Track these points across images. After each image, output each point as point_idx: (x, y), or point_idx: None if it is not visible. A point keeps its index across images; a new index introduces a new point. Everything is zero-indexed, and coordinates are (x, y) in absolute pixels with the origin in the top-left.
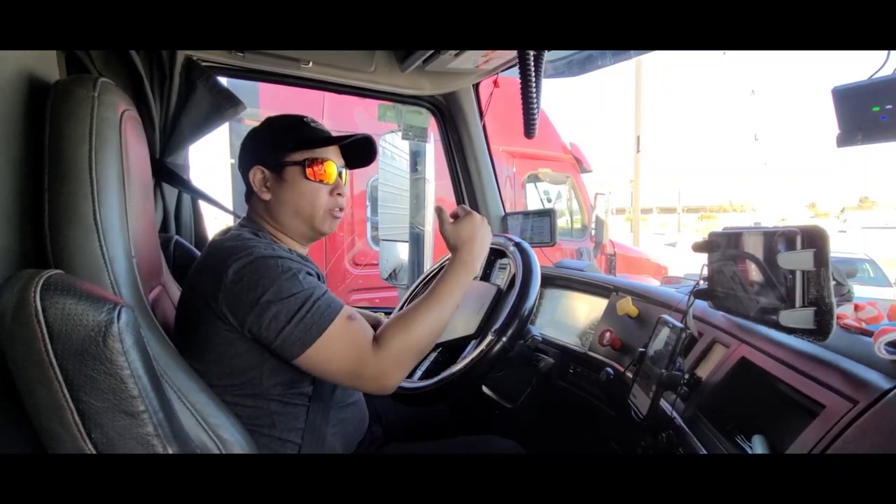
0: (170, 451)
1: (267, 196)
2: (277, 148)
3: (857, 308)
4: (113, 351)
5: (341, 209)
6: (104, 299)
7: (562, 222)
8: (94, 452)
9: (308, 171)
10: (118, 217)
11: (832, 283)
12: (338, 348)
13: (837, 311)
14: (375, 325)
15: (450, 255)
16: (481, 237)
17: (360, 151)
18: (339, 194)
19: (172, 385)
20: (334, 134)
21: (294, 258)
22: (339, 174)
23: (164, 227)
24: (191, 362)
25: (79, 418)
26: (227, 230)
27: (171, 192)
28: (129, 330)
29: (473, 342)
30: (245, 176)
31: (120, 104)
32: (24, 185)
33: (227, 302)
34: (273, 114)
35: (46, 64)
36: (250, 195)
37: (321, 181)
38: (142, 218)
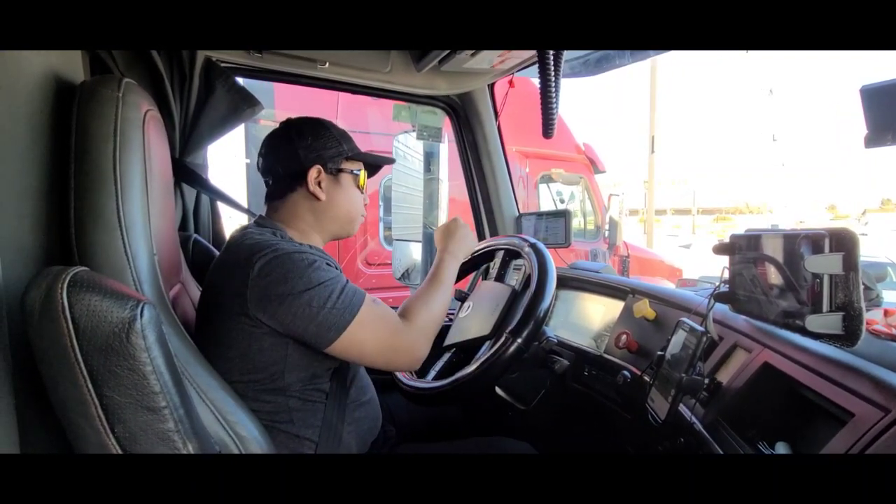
0: (189, 447)
1: (323, 196)
2: (339, 153)
3: (887, 313)
4: (136, 347)
5: (364, 216)
6: (128, 296)
7: (575, 223)
8: (117, 447)
9: (359, 181)
10: (141, 215)
11: (861, 287)
12: (372, 328)
13: (866, 316)
14: None
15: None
16: (460, 234)
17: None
18: (366, 203)
19: (192, 382)
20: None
21: (315, 252)
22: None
23: (183, 226)
24: (213, 359)
25: (102, 413)
26: (245, 229)
27: (190, 192)
28: (152, 327)
29: (488, 343)
30: (293, 172)
31: (143, 104)
32: (50, 184)
33: (254, 298)
34: (288, 114)
35: (72, 65)
36: (286, 192)
37: (361, 191)
38: (163, 216)
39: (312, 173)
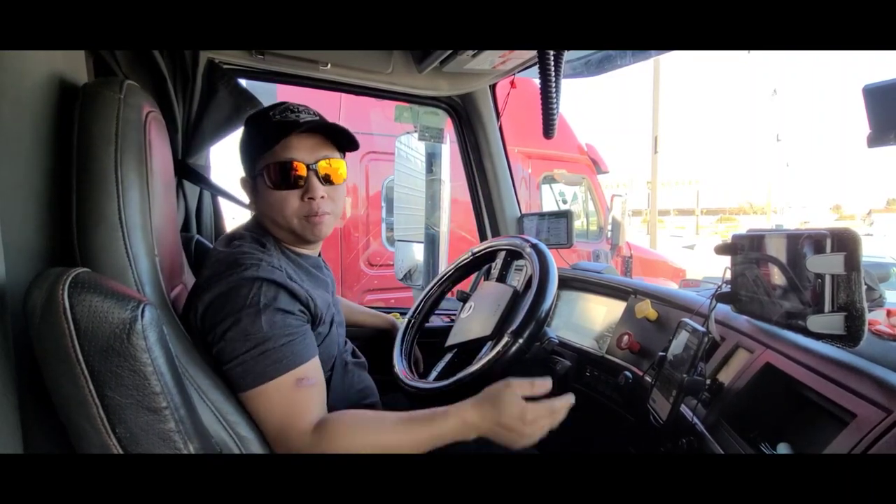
0: (191, 447)
1: (253, 206)
2: (248, 156)
3: (889, 314)
4: (137, 348)
5: (318, 214)
6: (129, 297)
7: (577, 224)
8: (119, 447)
9: (269, 178)
10: (142, 216)
11: (863, 287)
12: (269, 408)
13: (869, 316)
14: (389, 326)
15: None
16: (508, 424)
17: (337, 130)
18: (311, 198)
19: (193, 382)
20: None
21: (278, 285)
22: (315, 173)
23: (185, 227)
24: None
25: (104, 414)
26: (233, 234)
27: (192, 193)
28: (153, 327)
29: (489, 343)
30: None
31: (145, 106)
32: (53, 185)
33: (199, 319)
34: None
35: (75, 67)
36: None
37: (288, 187)
38: (164, 217)
39: (243, 185)
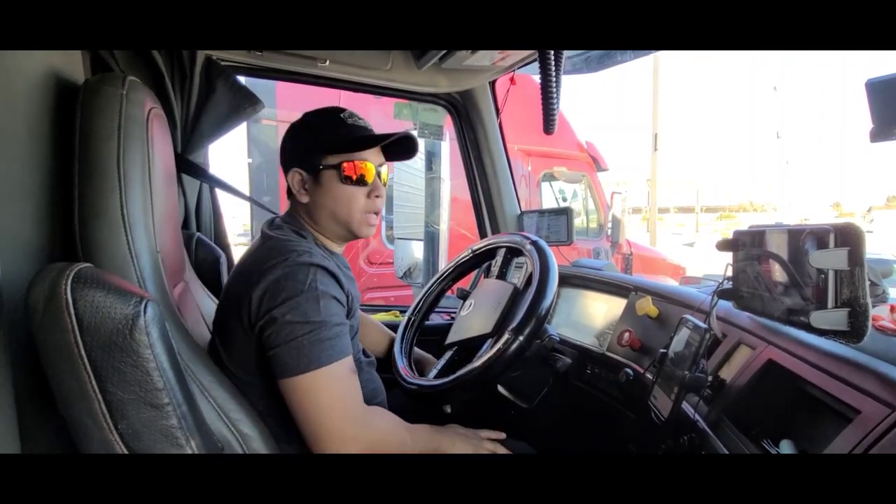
0: (192, 444)
1: (305, 199)
2: (314, 150)
3: (893, 309)
4: (139, 344)
5: (377, 213)
6: (131, 293)
7: (577, 222)
8: (121, 443)
9: (344, 175)
10: (143, 213)
11: (867, 283)
12: (329, 390)
13: (872, 312)
14: (380, 331)
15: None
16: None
17: (400, 145)
18: (378, 196)
19: (195, 379)
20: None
21: (330, 273)
22: (378, 174)
23: (185, 225)
24: (220, 357)
25: (106, 409)
26: (273, 221)
27: (191, 190)
28: (155, 323)
29: (489, 341)
30: (286, 175)
31: (147, 102)
32: (54, 182)
33: (252, 304)
34: (290, 113)
35: (73, 65)
36: (288, 196)
37: (358, 184)
38: (166, 214)
39: (293, 177)
